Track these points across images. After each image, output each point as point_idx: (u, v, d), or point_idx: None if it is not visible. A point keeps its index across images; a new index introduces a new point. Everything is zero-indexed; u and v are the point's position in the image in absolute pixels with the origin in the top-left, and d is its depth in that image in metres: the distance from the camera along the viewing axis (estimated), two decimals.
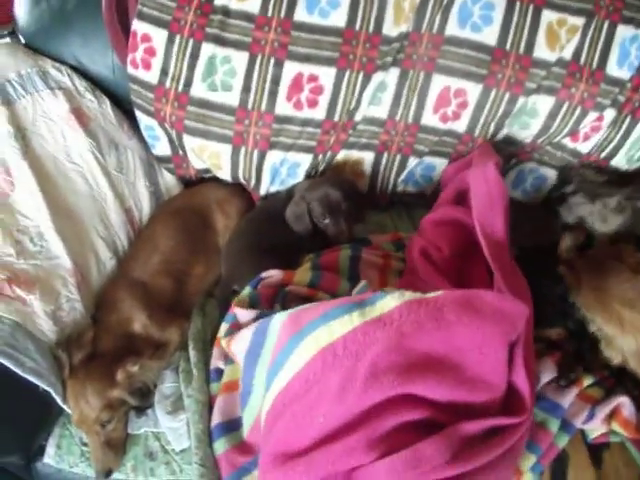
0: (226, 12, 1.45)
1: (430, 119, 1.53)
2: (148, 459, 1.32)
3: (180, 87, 1.50)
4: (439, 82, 1.49)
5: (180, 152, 1.65)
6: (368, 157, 1.61)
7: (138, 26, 1.48)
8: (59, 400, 1.30)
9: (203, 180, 1.75)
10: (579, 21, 1.42)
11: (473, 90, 1.48)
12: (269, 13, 1.45)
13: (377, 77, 1.49)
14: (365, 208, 1.66)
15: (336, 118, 1.54)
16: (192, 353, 1.39)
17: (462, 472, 0.91)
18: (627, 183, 1.53)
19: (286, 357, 1.07)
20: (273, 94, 1.50)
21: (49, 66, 1.56)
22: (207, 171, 1.70)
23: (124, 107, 1.64)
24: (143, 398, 1.35)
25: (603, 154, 1.56)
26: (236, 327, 1.29)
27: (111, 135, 1.60)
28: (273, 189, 1.66)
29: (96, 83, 1.62)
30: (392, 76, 1.50)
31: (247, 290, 1.35)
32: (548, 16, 1.42)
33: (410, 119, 1.54)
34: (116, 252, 1.54)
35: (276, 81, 1.49)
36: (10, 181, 1.42)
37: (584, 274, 1.27)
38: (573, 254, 1.35)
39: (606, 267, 1.27)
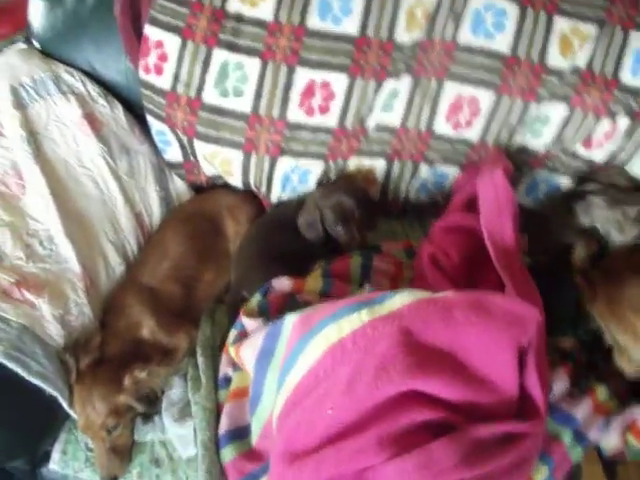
0: (239, 18, 1.45)
1: (442, 127, 1.52)
2: (154, 466, 1.30)
3: (192, 93, 1.50)
4: (452, 89, 1.48)
5: (191, 158, 1.65)
6: (380, 164, 1.60)
7: (150, 32, 1.48)
8: (65, 405, 1.29)
9: (214, 186, 1.74)
10: (592, 29, 1.41)
11: (486, 98, 1.47)
12: (282, 20, 1.45)
13: (389, 84, 1.49)
14: (377, 216, 1.65)
15: (348, 125, 1.53)
16: (200, 360, 1.38)
17: (472, 476, 0.89)
18: None
19: (296, 357, 1.07)
20: (285, 101, 1.50)
21: (62, 71, 1.56)
22: (218, 177, 1.70)
23: (136, 112, 1.64)
24: (150, 404, 1.34)
25: (617, 162, 1.54)
26: (244, 335, 1.28)
27: (123, 140, 1.60)
28: (284, 196, 1.65)
29: (109, 88, 1.62)
30: (404, 83, 1.49)
31: (256, 298, 1.34)
32: (561, 24, 1.41)
33: (422, 127, 1.53)
34: (125, 257, 1.53)
35: (288, 88, 1.49)
36: (21, 184, 1.43)
37: (599, 284, 1.26)
38: (587, 264, 1.33)
39: (621, 277, 1.25)
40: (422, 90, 1.49)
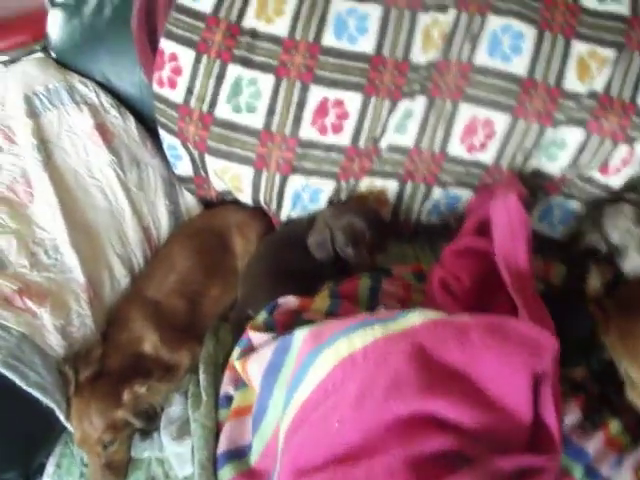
0: (254, 34, 1.45)
1: (456, 149, 1.50)
2: None
3: (205, 107, 1.49)
4: (466, 111, 1.46)
5: (202, 173, 1.64)
6: (392, 186, 1.58)
7: (166, 45, 1.48)
8: (62, 417, 1.27)
9: (224, 202, 1.73)
10: (610, 53, 1.39)
11: (501, 120, 1.45)
12: (297, 37, 1.45)
13: (404, 104, 1.47)
14: (388, 238, 1.62)
15: (361, 145, 1.51)
16: (202, 377, 1.35)
17: None
18: None
19: (306, 371, 1.04)
20: (298, 118, 1.49)
21: (76, 81, 1.57)
22: (228, 193, 1.68)
23: (148, 125, 1.64)
24: (148, 421, 1.31)
25: (635, 189, 1.50)
26: (250, 351, 1.24)
27: (133, 152, 1.60)
28: (294, 214, 1.63)
29: (122, 100, 1.63)
30: (419, 104, 1.48)
31: (262, 316, 1.31)
32: (578, 47, 1.40)
33: (436, 148, 1.51)
34: (131, 270, 1.52)
35: (301, 105, 1.48)
36: (30, 192, 1.43)
37: (612, 315, 1.22)
38: (601, 292, 1.29)
39: (636, 310, 1.21)
40: (437, 111, 1.48)
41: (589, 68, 1.40)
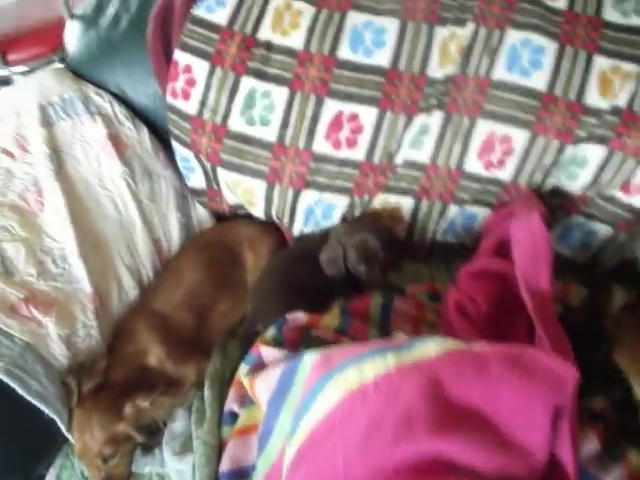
0: (269, 47, 1.45)
1: (473, 166, 1.46)
2: None
3: (218, 119, 1.48)
4: (484, 127, 1.43)
5: (214, 186, 1.63)
6: (407, 203, 1.54)
7: (180, 56, 1.48)
8: (63, 429, 1.25)
9: (236, 216, 1.71)
10: (634, 68, 1.34)
11: (520, 137, 1.41)
12: (312, 49, 1.44)
13: (420, 120, 1.45)
14: (402, 256, 1.58)
15: (375, 160, 1.49)
16: (207, 393, 1.32)
17: None
18: None
19: (312, 400, 0.99)
20: (311, 131, 1.47)
21: (92, 92, 1.58)
22: (241, 207, 1.66)
23: (161, 137, 1.63)
24: (151, 435, 1.29)
25: None
26: (260, 367, 1.21)
27: (146, 163, 1.59)
28: (307, 230, 1.61)
29: (136, 111, 1.62)
30: (435, 119, 1.44)
31: (271, 331, 1.28)
32: (600, 62, 1.35)
33: (452, 165, 1.47)
34: (140, 281, 1.50)
35: (315, 118, 1.46)
36: (40, 201, 1.43)
37: (628, 332, 1.16)
38: (623, 312, 1.24)
39: None
40: (453, 127, 1.44)
41: (611, 83, 1.36)
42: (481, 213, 1.53)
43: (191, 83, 1.49)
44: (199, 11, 1.49)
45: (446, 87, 1.43)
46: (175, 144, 1.59)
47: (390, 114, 1.45)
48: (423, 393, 0.91)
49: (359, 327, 1.31)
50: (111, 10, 1.61)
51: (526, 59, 1.39)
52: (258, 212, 1.62)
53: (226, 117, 1.48)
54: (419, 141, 1.48)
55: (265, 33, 1.46)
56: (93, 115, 1.54)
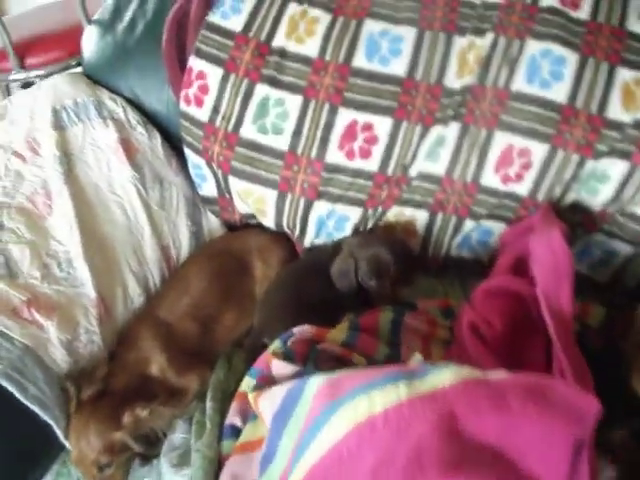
0: (283, 54, 1.43)
1: (490, 179, 1.42)
2: None
3: (230, 127, 1.47)
4: (502, 140, 1.38)
5: (226, 195, 1.61)
6: (421, 216, 1.50)
7: (194, 63, 1.47)
8: (60, 435, 1.22)
9: (248, 226, 1.68)
10: None
11: (539, 150, 1.36)
12: (327, 57, 1.42)
13: (436, 131, 1.41)
14: (415, 271, 1.54)
15: (389, 171, 1.45)
16: (209, 404, 1.28)
17: None
18: None
19: (319, 429, 0.92)
20: (325, 141, 1.44)
21: (106, 97, 1.58)
22: (252, 216, 1.64)
23: (174, 144, 1.62)
24: (149, 446, 1.25)
25: None
26: (265, 381, 1.17)
27: (157, 170, 1.58)
28: (318, 242, 1.57)
29: (149, 117, 1.62)
30: (452, 131, 1.41)
31: (276, 345, 1.24)
32: (623, 74, 1.31)
33: (469, 178, 1.43)
34: (147, 289, 1.48)
35: (329, 127, 1.43)
36: (49, 204, 1.42)
37: None
38: None
39: None
40: (470, 139, 1.40)
41: (635, 96, 1.31)
42: (497, 228, 1.48)
43: (204, 90, 1.47)
44: (214, 17, 1.48)
45: (464, 98, 1.40)
46: (187, 151, 1.58)
47: (405, 124, 1.42)
48: (436, 428, 0.84)
49: (367, 341, 1.26)
50: (128, 15, 1.62)
51: (546, 70, 1.35)
52: (269, 222, 1.59)
53: (238, 124, 1.47)
54: (435, 153, 1.44)
55: (280, 40, 1.44)
56: (105, 120, 1.53)
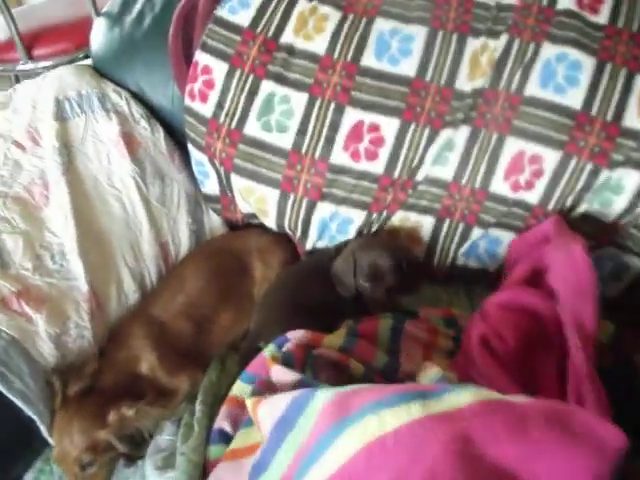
0: (291, 51, 1.40)
1: (500, 186, 1.37)
2: None
3: (234, 123, 1.44)
4: (513, 146, 1.34)
5: (228, 193, 1.57)
6: (427, 222, 1.45)
7: (200, 57, 1.45)
8: (44, 431, 1.19)
9: (249, 226, 1.65)
10: None
11: (551, 157, 1.31)
12: (335, 55, 1.38)
13: (445, 134, 1.37)
14: (420, 279, 1.50)
15: (395, 175, 1.41)
16: (198, 407, 1.24)
17: None
18: None
19: (325, 447, 0.87)
20: (330, 141, 1.41)
21: (110, 90, 1.56)
22: (253, 216, 1.60)
23: (178, 140, 1.60)
24: (134, 446, 1.21)
25: None
26: (264, 386, 1.13)
27: (159, 165, 1.55)
28: (320, 244, 1.53)
29: (154, 112, 1.60)
30: (462, 135, 1.36)
31: (270, 349, 1.20)
32: None
33: (477, 184, 1.38)
34: (142, 285, 1.45)
35: (334, 127, 1.40)
36: (46, 195, 1.40)
37: None
38: None
39: None
40: (480, 144, 1.36)
41: None
42: (506, 237, 1.43)
43: (209, 85, 1.45)
44: (222, 12, 1.45)
45: (475, 101, 1.35)
46: (191, 148, 1.55)
47: (413, 126, 1.38)
48: (450, 451, 0.79)
49: (365, 348, 1.22)
50: (137, 8, 1.60)
51: (561, 75, 1.30)
52: (270, 222, 1.56)
53: (242, 121, 1.44)
54: (443, 157, 1.39)
55: (288, 37, 1.41)
56: (108, 112, 1.51)
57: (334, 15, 1.41)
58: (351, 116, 1.39)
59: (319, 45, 1.40)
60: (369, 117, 1.39)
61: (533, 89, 1.32)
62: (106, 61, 1.61)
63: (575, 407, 0.89)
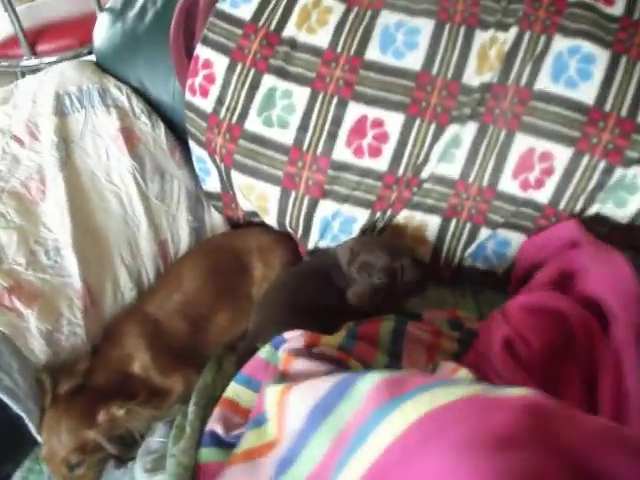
0: (293, 45, 1.36)
1: (508, 185, 1.31)
2: None
3: (234, 119, 1.41)
4: (522, 142, 1.28)
5: (230, 190, 1.54)
6: (433, 222, 1.40)
7: (201, 51, 1.42)
8: (32, 429, 1.16)
9: (251, 224, 1.61)
10: None
11: (562, 155, 1.26)
12: (339, 49, 1.34)
13: (451, 130, 1.32)
14: (426, 280, 1.44)
15: (400, 172, 1.36)
16: (191, 408, 1.20)
17: None
18: None
19: (372, 428, 0.81)
20: (332, 136, 1.36)
21: (111, 85, 1.54)
22: (254, 214, 1.56)
23: (180, 136, 1.57)
24: (124, 447, 1.17)
25: None
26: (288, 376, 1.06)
27: (159, 161, 1.52)
28: (322, 244, 1.49)
29: (156, 108, 1.58)
30: (469, 131, 1.31)
31: (266, 349, 1.17)
32: None
33: (485, 182, 1.33)
34: (139, 283, 1.42)
35: (337, 122, 1.36)
36: (42, 190, 1.38)
37: None
38: None
39: None
40: (488, 140, 1.31)
41: None
42: (515, 238, 1.37)
43: (210, 79, 1.42)
44: (224, 5, 1.42)
45: (482, 96, 1.30)
46: (192, 144, 1.53)
47: (419, 122, 1.33)
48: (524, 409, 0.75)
49: (365, 349, 1.18)
50: (139, 3, 1.58)
51: (574, 68, 1.24)
52: (271, 220, 1.52)
53: (243, 116, 1.40)
54: (449, 154, 1.34)
55: (290, 30, 1.38)
56: (109, 107, 1.50)
57: (338, 8, 1.37)
58: (354, 111, 1.35)
59: (322, 38, 1.36)
60: (373, 112, 1.34)
61: (544, 83, 1.27)
62: (108, 56, 1.60)
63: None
